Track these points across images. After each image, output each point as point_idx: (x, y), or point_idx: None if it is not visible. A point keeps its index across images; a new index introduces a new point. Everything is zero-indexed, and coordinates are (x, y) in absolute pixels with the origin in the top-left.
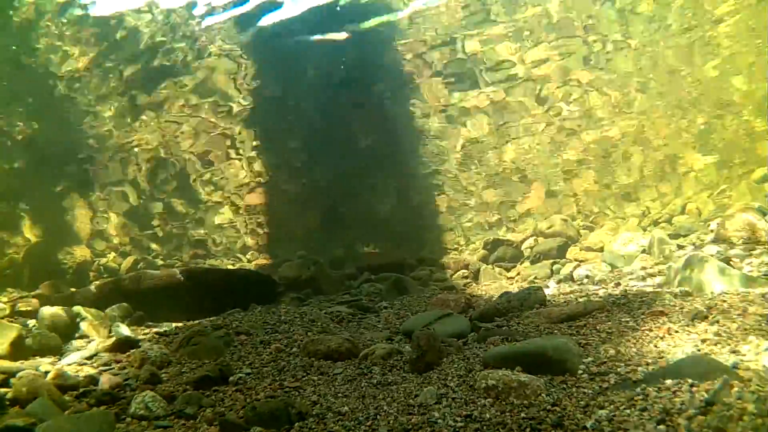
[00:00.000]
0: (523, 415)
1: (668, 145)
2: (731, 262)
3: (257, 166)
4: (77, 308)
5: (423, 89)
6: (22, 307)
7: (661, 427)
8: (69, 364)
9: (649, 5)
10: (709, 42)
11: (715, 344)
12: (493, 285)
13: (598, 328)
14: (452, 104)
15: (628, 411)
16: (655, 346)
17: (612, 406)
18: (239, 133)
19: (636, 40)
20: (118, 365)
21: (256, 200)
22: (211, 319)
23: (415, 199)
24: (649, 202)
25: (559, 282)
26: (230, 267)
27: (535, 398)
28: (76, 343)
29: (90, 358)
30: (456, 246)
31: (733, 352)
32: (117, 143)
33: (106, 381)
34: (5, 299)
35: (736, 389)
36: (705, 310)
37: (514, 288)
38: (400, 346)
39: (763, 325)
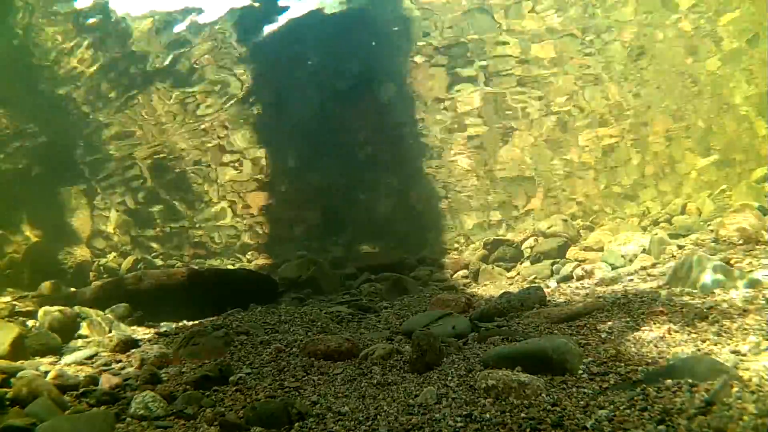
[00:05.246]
0: (523, 415)
1: (669, 145)
2: (731, 262)
3: (258, 166)
4: (77, 308)
5: (423, 88)
6: (22, 307)
7: (661, 427)
8: (69, 364)
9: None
10: (711, 40)
11: (715, 344)
12: (492, 285)
13: (598, 328)
14: (453, 104)
15: (628, 411)
16: (655, 346)
17: (612, 406)
18: (239, 135)
19: (635, 40)
20: (118, 365)
21: (257, 201)
22: (211, 319)
23: (416, 199)
24: (649, 201)
25: (559, 282)
26: (230, 267)
27: (535, 398)
28: (76, 343)
29: (90, 358)
30: (456, 246)
31: (733, 352)
32: (118, 146)
33: (106, 381)
34: (5, 299)
35: (736, 389)
36: (705, 310)
37: (514, 288)
38: (400, 346)
39: (763, 325)
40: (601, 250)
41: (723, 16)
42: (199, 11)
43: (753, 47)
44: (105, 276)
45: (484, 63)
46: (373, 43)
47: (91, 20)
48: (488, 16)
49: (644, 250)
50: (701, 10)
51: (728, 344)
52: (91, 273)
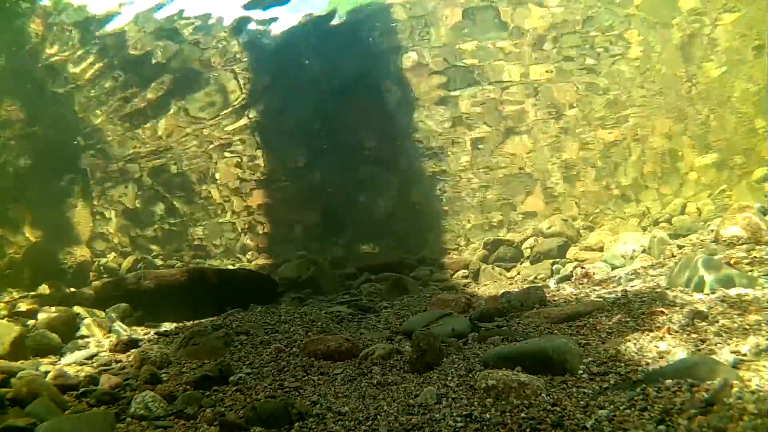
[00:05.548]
0: (523, 415)
1: (669, 145)
2: (731, 262)
3: (258, 167)
4: (77, 308)
5: (422, 89)
6: (22, 307)
7: (661, 427)
8: (69, 364)
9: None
10: (710, 41)
11: (715, 344)
12: (492, 285)
13: (598, 328)
14: (453, 105)
15: (628, 411)
16: (655, 346)
17: (612, 406)
18: (240, 136)
19: (635, 41)
20: (118, 365)
21: (257, 201)
22: (211, 319)
23: (416, 198)
24: (649, 202)
25: (559, 282)
26: (230, 267)
27: (535, 398)
28: (76, 343)
29: (90, 358)
30: (456, 246)
31: (733, 352)
32: (118, 146)
33: (106, 381)
34: (5, 299)
35: (736, 389)
36: (705, 310)
37: (514, 288)
38: (400, 346)
39: (763, 325)
40: (601, 250)
41: (724, 17)
42: (207, 16)
43: (757, 52)
44: (105, 276)
45: (484, 66)
46: (370, 39)
47: (96, 26)
48: (489, 20)
49: (644, 250)
50: (702, 11)
51: (728, 344)
52: (91, 273)
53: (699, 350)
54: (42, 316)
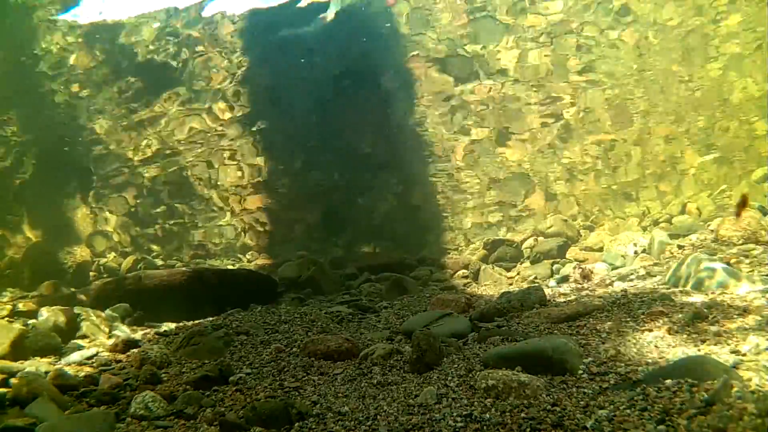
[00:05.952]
0: (523, 415)
1: (669, 145)
2: (731, 262)
3: (257, 167)
4: (77, 308)
5: (423, 86)
6: (22, 307)
7: (661, 427)
8: (69, 364)
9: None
10: (710, 41)
11: (715, 344)
12: (493, 285)
13: (598, 328)
14: (453, 103)
15: (628, 411)
16: (655, 346)
17: (612, 406)
18: (238, 134)
19: (634, 39)
20: (118, 365)
21: (257, 202)
22: (211, 319)
23: (415, 198)
24: (649, 202)
25: (559, 282)
26: (230, 267)
27: (535, 398)
28: (76, 343)
29: (90, 358)
30: (456, 246)
31: (733, 352)
32: (116, 146)
33: (106, 381)
34: (5, 299)
35: (736, 389)
36: (705, 310)
37: (514, 288)
38: (400, 346)
39: (763, 325)
40: (601, 250)
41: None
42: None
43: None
44: (105, 276)
45: (483, 63)
46: (364, 39)
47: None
48: (490, 19)
49: (644, 250)
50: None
51: (728, 344)
52: (91, 273)
53: (699, 350)
54: (42, 316)
